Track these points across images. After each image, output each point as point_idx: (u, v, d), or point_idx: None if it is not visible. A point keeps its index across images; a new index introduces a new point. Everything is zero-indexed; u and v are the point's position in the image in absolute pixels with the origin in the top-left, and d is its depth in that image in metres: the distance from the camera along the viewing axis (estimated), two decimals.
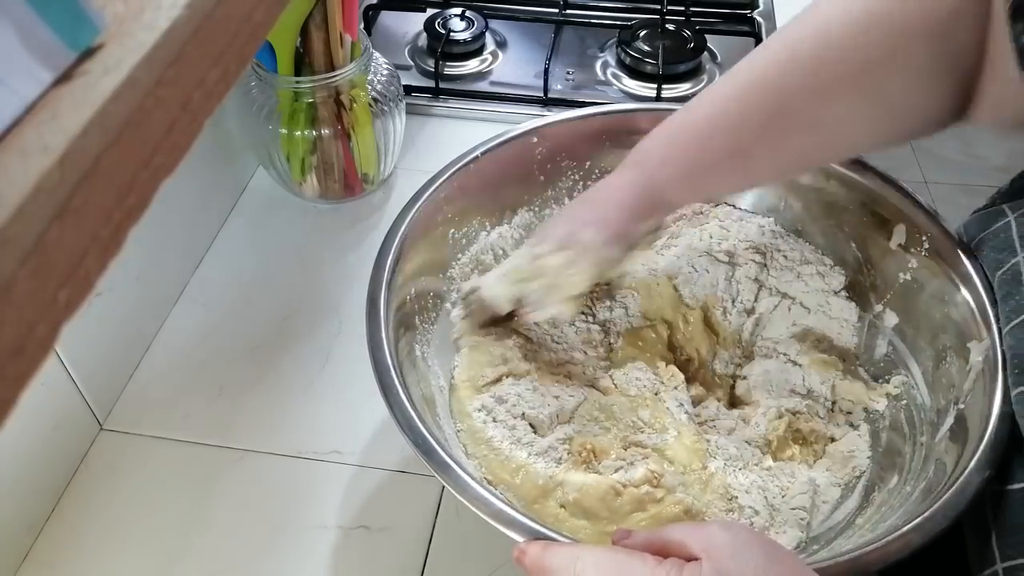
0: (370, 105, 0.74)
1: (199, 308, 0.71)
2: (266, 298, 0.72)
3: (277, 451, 0.61)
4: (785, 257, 0.61)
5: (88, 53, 0.23)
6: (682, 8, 0.98)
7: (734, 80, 0.52)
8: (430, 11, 0.97)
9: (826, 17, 0.49)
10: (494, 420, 0.53)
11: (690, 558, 0.36)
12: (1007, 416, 0.45)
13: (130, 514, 0.58)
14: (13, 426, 0.50)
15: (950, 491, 0.42)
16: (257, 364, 0.67)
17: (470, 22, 0.95)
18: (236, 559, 0.56)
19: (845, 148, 0.54)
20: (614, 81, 0.91)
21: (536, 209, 0.64)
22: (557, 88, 0.90)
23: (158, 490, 0.59)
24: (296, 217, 0.79)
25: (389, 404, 0.46)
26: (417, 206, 0.57)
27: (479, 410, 0.54)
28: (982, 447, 0.44)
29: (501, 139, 0.61)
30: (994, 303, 0.49)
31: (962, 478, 0.43)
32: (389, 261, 0.54)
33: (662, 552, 0.38)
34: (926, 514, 0.42)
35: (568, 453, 0.52)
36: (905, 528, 0.41)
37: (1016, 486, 0.43)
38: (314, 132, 0.74)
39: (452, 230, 0.60)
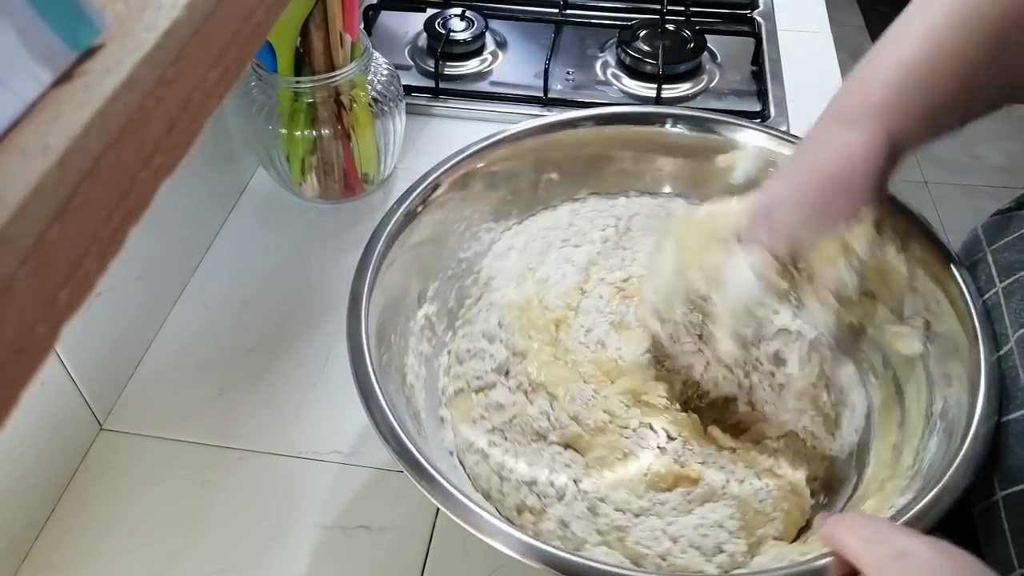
0: (370, 105, 0.74)
1: (199, 308, 0.71)
2: (266, 298, 0.72)
3: (277, 451, 0.61)
4: None
5: (88, 53, 0.23)
6: (682, 8, 0.98)
7: (945, 13, 0.46)
8: (430, 11, 0.97)
9: None
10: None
11: None
12: (993, 427, 0.44)
13: (130, 514, 0.58)
14: (13, 426, 0.50)
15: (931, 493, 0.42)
16: (257, 364, 0.67)
17: (470, 22, 0.95)
18: (236, 559, 0.56)
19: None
20: (614, 81, 0.91)
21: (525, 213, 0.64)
22: (557, 88, 0.90)
23: (158, 490, 0.59)
24: (296, 217, 0.79)
25: (369, 410, 0.46)
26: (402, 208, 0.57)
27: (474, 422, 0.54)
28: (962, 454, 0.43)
29: (495, 138, 0.61)
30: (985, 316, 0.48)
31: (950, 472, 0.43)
32: (373, 260, 0.53)
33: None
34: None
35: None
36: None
37: (1015, 415, 0.43)
38: (314, 132, 0.74)
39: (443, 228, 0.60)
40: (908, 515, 0.41)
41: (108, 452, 0.61)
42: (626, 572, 0.44)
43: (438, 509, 0.57)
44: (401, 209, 0.56)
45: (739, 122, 0.63)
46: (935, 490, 0.42)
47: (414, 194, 0.57)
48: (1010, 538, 0.43)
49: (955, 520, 0.42)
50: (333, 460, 0.61)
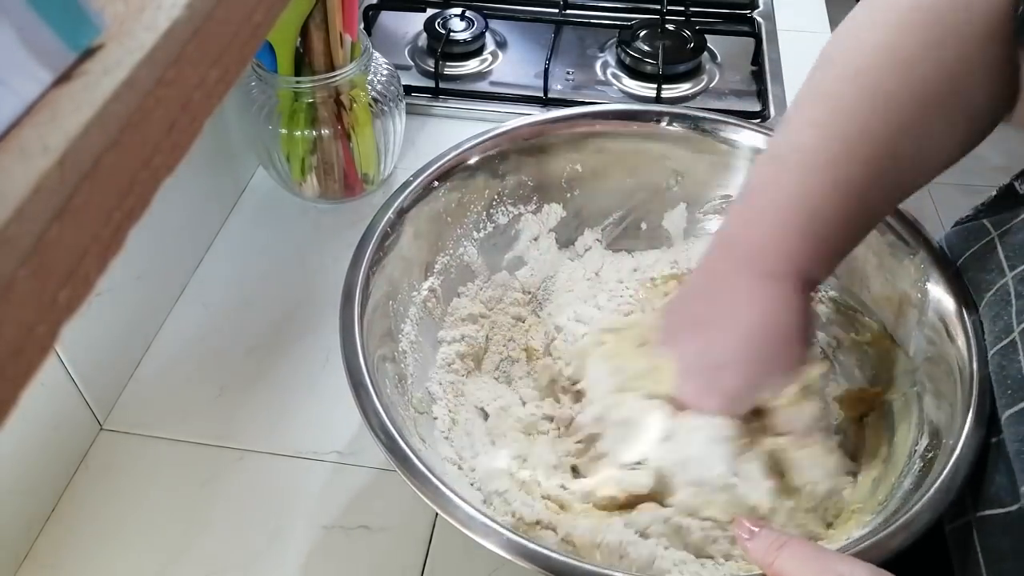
0: (370, 105, 0.74)
1: (199, 308, 0.71)
2: (266, 298, 0.72)
3: (277, 451, 0.61)
4: None
5: (88, 53, 0.23)
6: (682, 8, 0.98)
7: (836, 138, 0.46)
8: (430, 11, 0.97)
9: (888, 41, 0.45)
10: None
11: None
12: (980, 442, 0.44)
13: (130, 514, 0.58)
14: (13, 426, 0.50)
15: (902, 519, 0.42)
16: (257, 364, 0.67)
17: (470, 22, 0.95)
18: (236, 559, 0.56)
19: (942, 165, 0.49)
20: (614, 81, 0.91)
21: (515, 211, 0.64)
22: (557, 88, 0.90)
23: (158, 490, 0.59)
24: (296, 217, 0.79)
25: (361, 407, 0.47)
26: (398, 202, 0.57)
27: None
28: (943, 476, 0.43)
29: (490, 134, 0.61)
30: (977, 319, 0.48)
31: (916, 508, 0.42)
32: (367, 255, 0.54)
33: None
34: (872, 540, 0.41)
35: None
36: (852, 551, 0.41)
37: (999, 511, 0.42)
38: (314, 132, 0.74)
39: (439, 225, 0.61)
40: (859, 547, 0.41)
41: (108, 452, 0.61)
42: (620, 574, 0.44)
43: None
44: (396, 203, 0.57)
45: (735, 122, 0.63)
46: (890, 528, 0.42)
47: (409, 188, 0.58)
48: (982, 560, 0.43)
49: (928, 538, 0.42)
50: (333, 460, 0.61)
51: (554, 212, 0.65)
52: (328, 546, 0.56)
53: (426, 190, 0.58)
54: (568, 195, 0.65)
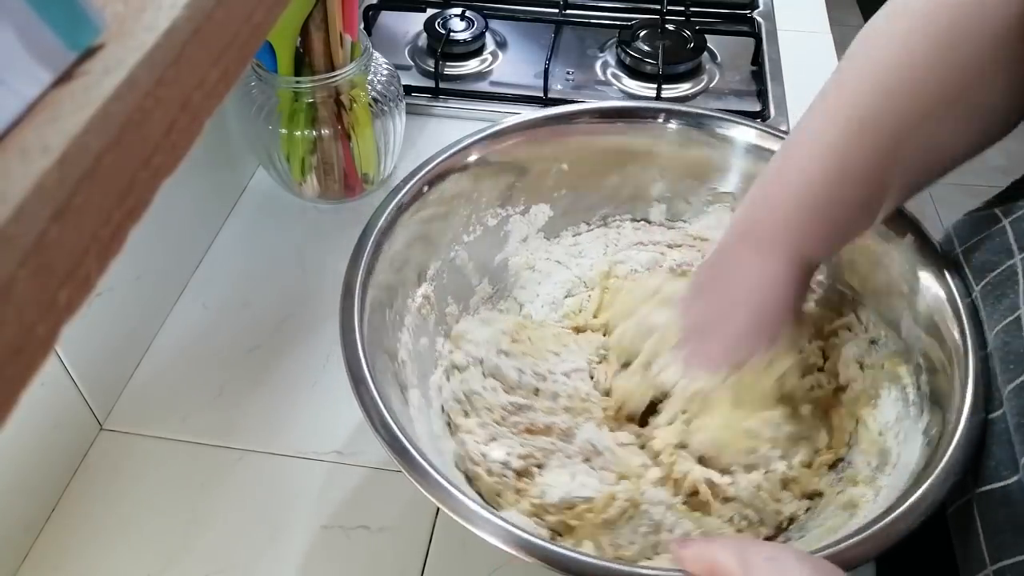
0: (370, 105, 0.74)
1: (199, 308, 0.71)
2: (266, 298, 0.72)
3: (277, 451, 0.61)
4: None
5: (88, 53, 0.23)
6: (682, 8, 0.98)
7: (844, 124, 0.49)
8: (430, 11, 0.97)
9: (905, 43, 0.47)
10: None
11: None
12: (980, 423, 0.44)
13: (130, 514, 0.58)
14: (13, 426, 0.50)
15: (913, 497, 0.42)
16: (257, 364, 0.67)
17: (470, 22, 0.95)
18: (236, 559, 0.56)
19: (953, 161, 0.51)
20: (614, 81, 0.91)
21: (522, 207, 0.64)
22: (557, 88, 0.90)
23: (158, 490, 0.59)
24: (296, 217, 0.79)
25: (363, 405, 0.47)
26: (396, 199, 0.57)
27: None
28: (950, 451, 0.44)
29: (487, 132, 0.61)
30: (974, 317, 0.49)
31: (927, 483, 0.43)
32: (367, 252, 0.54)
33: (711, 572, 0.38)
34: (883, 523, 0.42)
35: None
36: (858, 538, 0.41)
37: (998, 484, 0.43)
38: (314, 132, 0.74)
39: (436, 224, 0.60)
40: (861, 535, 0.41)
41: (108, 452, 0.61)
42: (622, 568, 0.44)
43: (438, 509, 0.58)
44: (395, 199, 0.57)
45: (732, 119, 0.63)
46: (856, 538, 0.42)
47: (409, 184, 0.58)
48: (982, 535, 0.43)
49: (928, 523, 0.42)
50: (333, 460, 0.61)
51: (542, 212, 0.65)
52: (328, 546, 0.56)
53: (415, 196, 0.58)
54: (555, 194, 0.65)
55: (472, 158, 0.60)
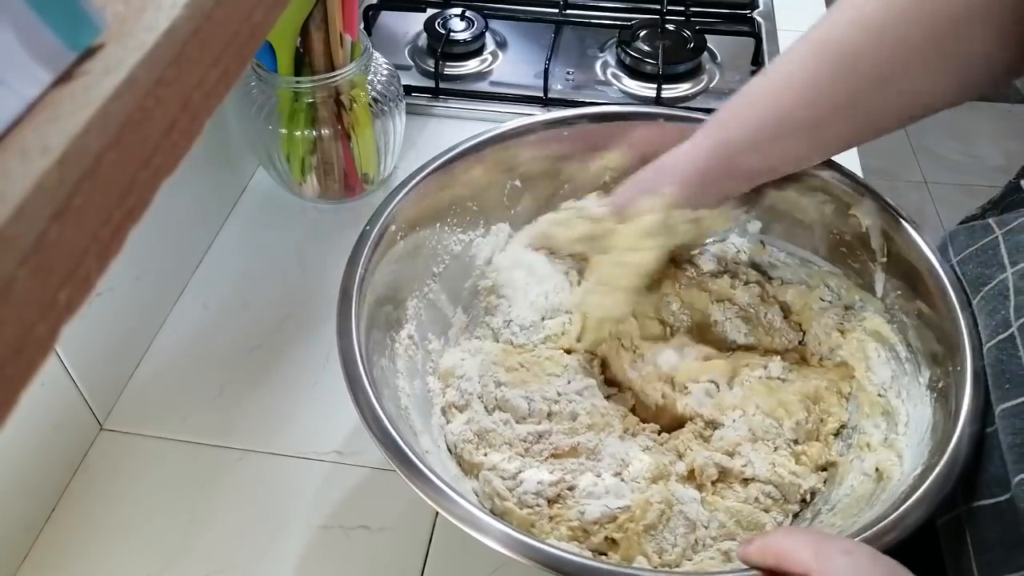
0: (370, 105, 0.74)
1: (199, 308, 0.71)
2: (266, 298, 0.72)
3: (277, 451, 0.61)
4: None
5: (88, 53, 0.23)
6: (682, 8, 0.98)
7: (807, 44, 0.51)
8: (430, 11, 0.97)
9: None
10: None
11: None
12: (975, 435, 0.44)
13: (130, 514, 0.58)
14: (13, 426, 0.50)
15: (898, 510, 0.42)
16: (257, 364, 0.67)
17: (470, 22, 0.95)
18: (236, 559, 0.56)
19: (919, 109, 0.52)
20: (614, 81, 0.91)
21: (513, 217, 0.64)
22: (557, 88, 0.90)
23: (158, 490, 0.59)
24: (296, 217, 0.79)
25: (358, 406, 0.47)
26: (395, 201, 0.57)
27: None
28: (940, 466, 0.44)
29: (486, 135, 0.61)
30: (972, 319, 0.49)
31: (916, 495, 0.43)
32: (364, 254, 0.54)
33: (777, 569, 0.38)
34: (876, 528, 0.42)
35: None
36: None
37: (989, 501, 0.43)
38: (314, 132, 0.74)
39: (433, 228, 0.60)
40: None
41: (108, 452, 0.61)
42: (623, 570, 0.44)
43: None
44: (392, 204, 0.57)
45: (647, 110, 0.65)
46: (884, 523, 0.42)
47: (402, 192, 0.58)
48: (972, 551, 0.43)
49: (919, 535, 0.42)
50: (333, 460, 0.61)
51: (502, 231, 0.63)
52: (328, 546, 0.56)
53: (384, 239, 0.57)
54: (512, 211, 0.64)
55: (427, 193, 0.59)
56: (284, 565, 0.56)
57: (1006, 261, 0.48)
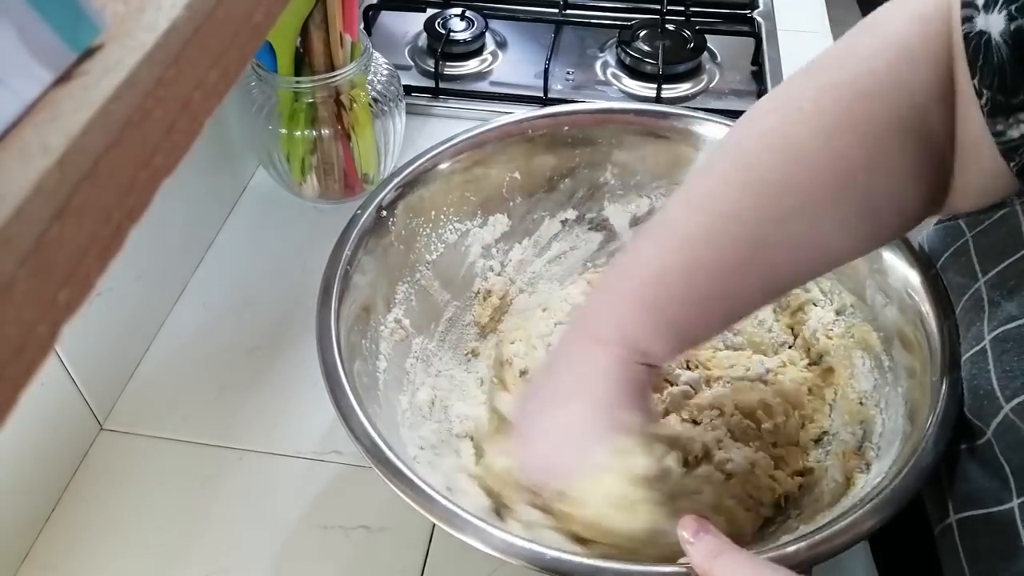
0: (370, 105, 0.74)
1: (199, 308, 0.71)
2: (266, 298, 0.72)
3: (277, 451, 0.61)
4: None
5: (88, 53, 0.23)
6: (682, 8, 0.98)
7: (701, 216, 0.45)
8: (430, 11, 0.97)
9: (783, 129, 0.44)
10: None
11: None
12: (944, 446, 0.44)
13: (130, 514, 0.58)
14: (13, 426, 0.50)
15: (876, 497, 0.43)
16: (257, 364, 0.67)
17: (470, 22, 0.95)
18: (235, 559, 0.56)
19: (833, 261, 0.48)
20: (614, 81, 0.91)
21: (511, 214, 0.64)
22: (557, 88, 0.90)
23: (158, 490, 0.59)
24: (296, 217, 0.79)
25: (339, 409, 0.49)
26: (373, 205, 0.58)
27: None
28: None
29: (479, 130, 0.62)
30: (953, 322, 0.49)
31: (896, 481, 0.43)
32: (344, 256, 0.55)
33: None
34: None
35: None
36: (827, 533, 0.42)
37: (981, 511, 0.43)
38: (314, 132, 0.74)
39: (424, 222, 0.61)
40: (822, 534, 0.42)
41: (108, 452, 0.61)
42: (614, 567, 0.44)
43: None
44: (376, 201, 0.58)
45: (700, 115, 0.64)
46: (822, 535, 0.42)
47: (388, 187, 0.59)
48: (964, 560, 0.44)
49: (919, 540, 0.42)
50: (333, 460, 0.61)
51: (499, 223, 0.64)
52: (328, 546, 0.56)
53: (376, 222, 0.57)
54: (511, 204, 0.64)
55: (426, 177, 0.60)
56: (284, 565, 0.56)
57: (977, 269, 0.47)
